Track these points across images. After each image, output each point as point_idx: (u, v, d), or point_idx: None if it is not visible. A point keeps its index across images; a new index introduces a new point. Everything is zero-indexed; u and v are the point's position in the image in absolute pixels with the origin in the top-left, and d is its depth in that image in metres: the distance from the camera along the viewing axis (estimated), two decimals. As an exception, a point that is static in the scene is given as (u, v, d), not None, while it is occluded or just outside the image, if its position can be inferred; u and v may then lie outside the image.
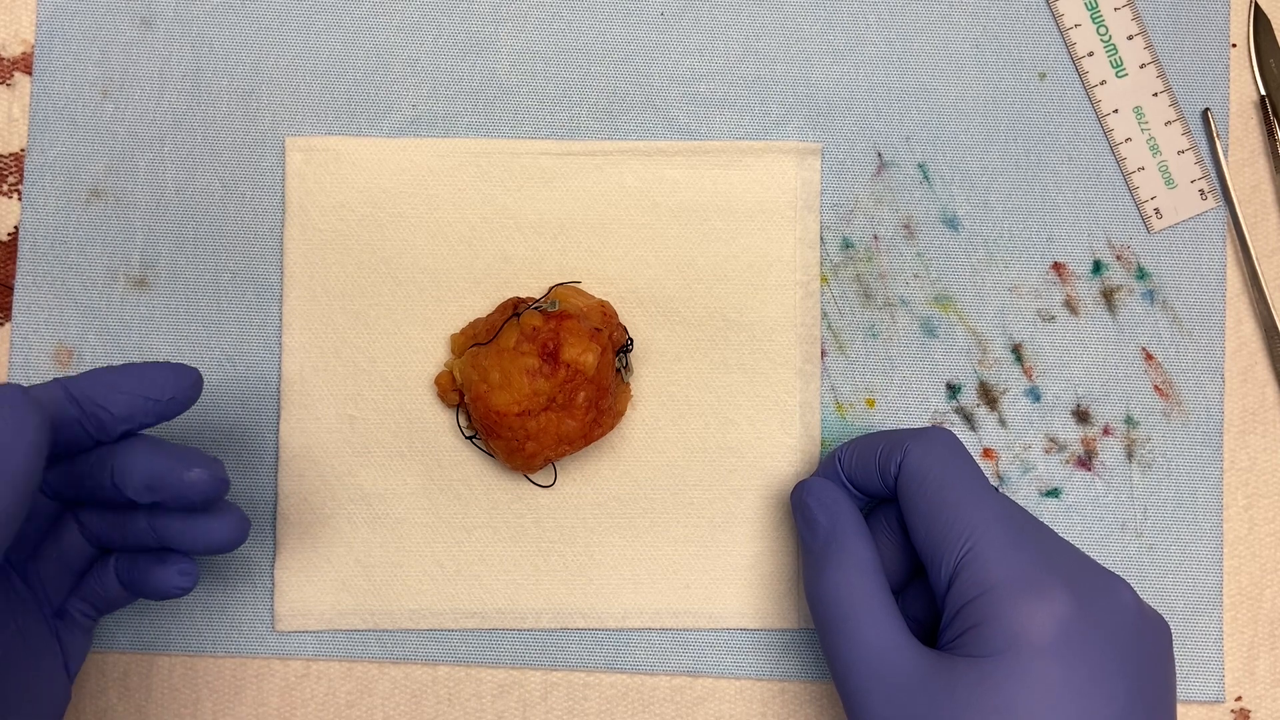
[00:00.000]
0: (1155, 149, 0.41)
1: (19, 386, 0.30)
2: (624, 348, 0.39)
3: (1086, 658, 0.31)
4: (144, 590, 0.35)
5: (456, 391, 0.39)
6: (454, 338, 0.40)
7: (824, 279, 0.41)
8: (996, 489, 0.34)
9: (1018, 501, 0.41)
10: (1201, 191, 0.41)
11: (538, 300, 0.39)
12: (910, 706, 0.31)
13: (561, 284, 0.40)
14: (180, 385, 0.33)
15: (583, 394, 0.37)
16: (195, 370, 0.33)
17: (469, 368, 0.38)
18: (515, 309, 0.38)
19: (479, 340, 0.38)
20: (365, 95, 0.41)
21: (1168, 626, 0.33)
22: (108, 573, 0.35)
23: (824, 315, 0.41)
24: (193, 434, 0.40)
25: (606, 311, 0.39)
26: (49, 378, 0.40)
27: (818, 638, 0.34)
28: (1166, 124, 0.41)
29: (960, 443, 0.35)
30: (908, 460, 0.35)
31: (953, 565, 0.33)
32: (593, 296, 0.40)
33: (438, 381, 0.40)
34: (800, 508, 0.37)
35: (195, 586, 0.35)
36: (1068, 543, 0.34)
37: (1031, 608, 0.31)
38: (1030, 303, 0.41)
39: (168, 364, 0.33)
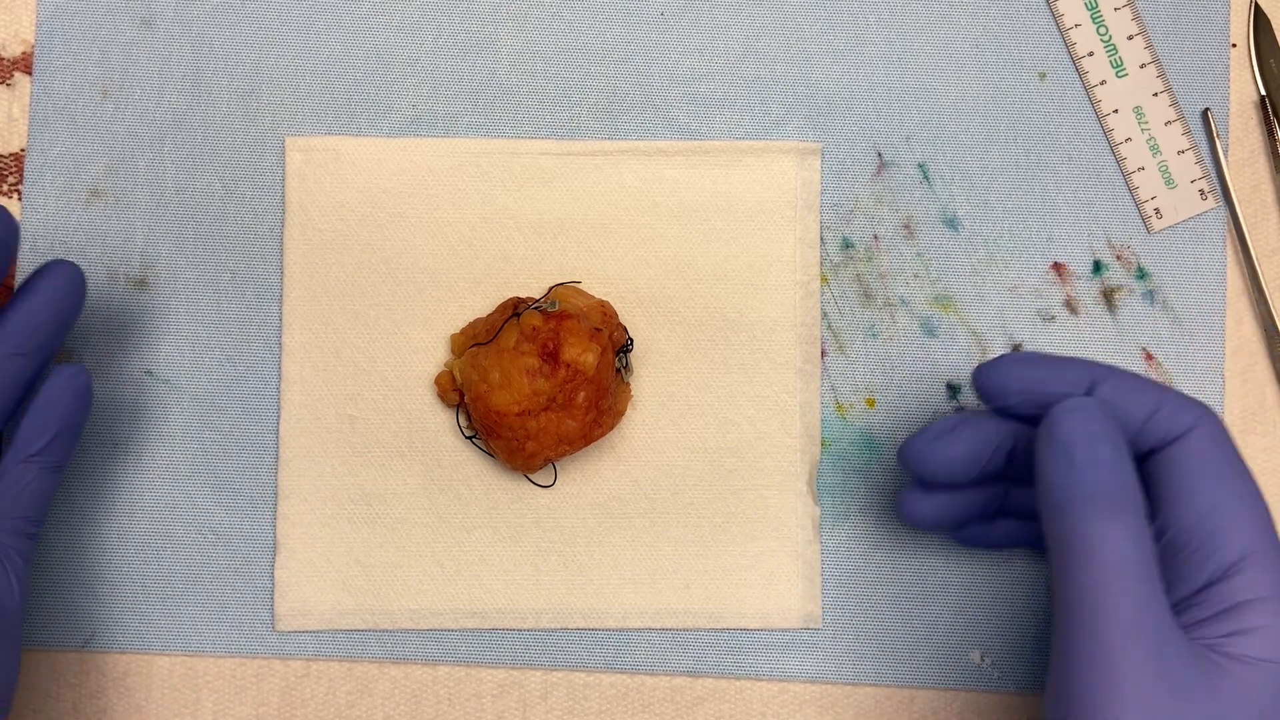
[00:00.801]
0: (1155, 149, 0.41)
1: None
2: (624, 348, 0.39)
3: None
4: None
5: (456, 391, 0.39)
6: (454, 338, 0.40)
7: (824, 279, 0.41)
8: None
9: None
10: (1201, 191, 0.41)
11: (538, 300, 0.39)
12: (1183, 693, 0.29)
13: (561, 284, 0.40)
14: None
15: (583, 394, 0.37)
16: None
17: (469, 368, 0.38)
18: (515, 309, 0.38)
19: (479, 340, 0.38)
20: (365, 95, 0.41)
21: None
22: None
23: (824, 315, 0.41)
24: (193, 433, 0.40)
25: (606, 311, 0.39)
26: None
27: (1063, 593, 0.31)
28: (1166, 124, 0.41)
29: None
30: (1198, 438, 0.32)
31: (1227, 564, 0.31)
32: (593, 296, 0.40)
33: (438, 381, 0.40)
34: (1082, 433, 0.31)
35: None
36: None
37: None
38: (1030, 303, 0.41)
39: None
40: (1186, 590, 0.31)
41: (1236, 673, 0.30)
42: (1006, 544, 0.39)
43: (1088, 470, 0.31)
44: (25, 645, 0.39)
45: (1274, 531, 0.32)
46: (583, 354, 0.37)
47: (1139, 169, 0.41)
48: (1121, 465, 0.31)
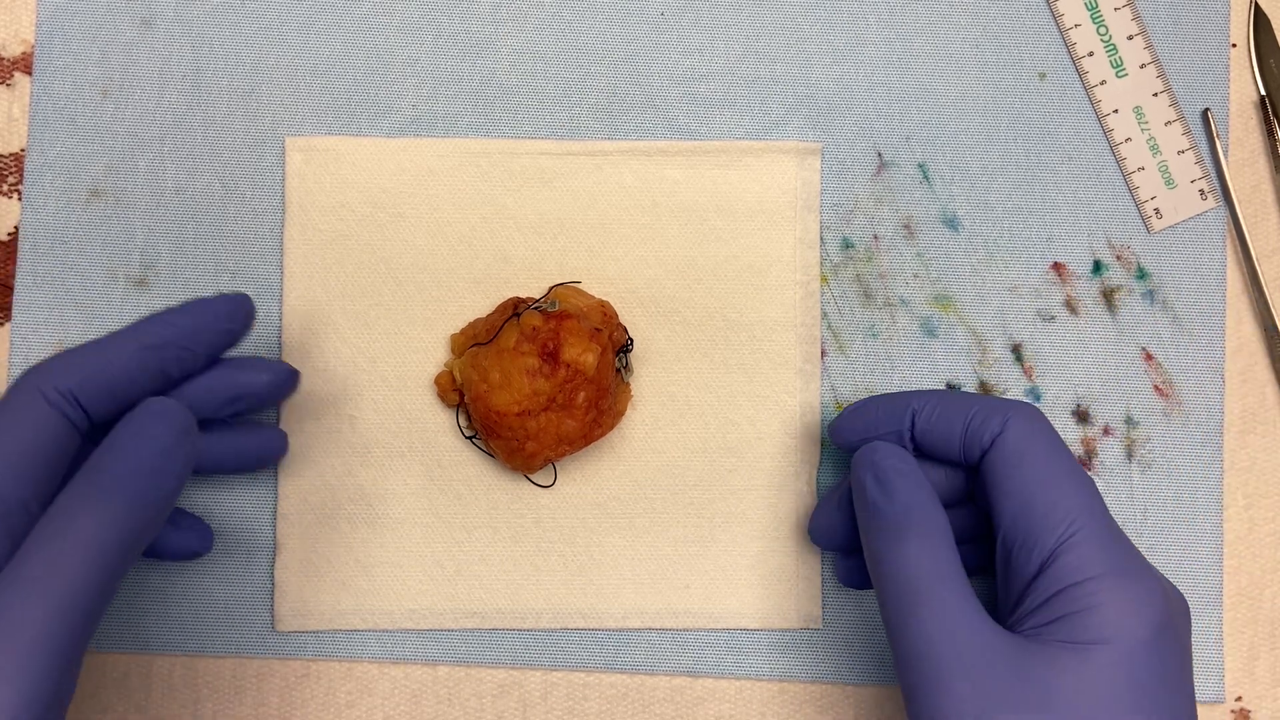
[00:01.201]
0: (1155, 149, 0.41)
1: (177, 405, 0.32)
2: (624, 348, 0.39)
3: (1171, 655, 0.31)
4: (161, 551, 0.36)
5: (456, 391, 0.39)
6: (454, 338, 0.40)
7: (824, 279, 0.41)
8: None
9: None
10: (1201, 191, 0.41)
11: (538, 300, 0.39)
12: (997, 688, 0.30)
13: (561, 284, 0.40)
14: (246, 312, 0.35)
15: (583, 394, 0.37)
16: (246, 296, 0.36)
17: (469, 368, 0.38)
18: (515, 309, 0.38)
19: (479, 340, 0.38)
20: (365, 95, 0.41)
21: None
22: None
23: (824, 315, 0.41)
24: (193, 434, 0.40)
25: (606, 311, 0.39)
26: (49, 378, 0.40)
27: (883, 613, 0.33)
28: (1166, 124, 0.41)
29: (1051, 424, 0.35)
30: (1009, 434, 0.33)
31: (1050, 550, 0.32)
32: (593, 296, 0.40)
33: (437, 381, 0.40)
34: (873, 469, 0.34)
35: (209, 549, 0.37)
36: None
37: (1132, 599, 0.31)
38: (1030, 303, 0.41)
39: (224, 296, 0.35)
40: (1021, 584, 0.32)
41: (1065, 660, 0.30)
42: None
43: (880, 502, 0.34)
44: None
45: (1097, 508, 0.32)
46: (583, 354, 0.37)
47: (1139, 169, 0.41)
48: (911, 493, 0.33)
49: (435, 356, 0.41)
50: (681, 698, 0.40)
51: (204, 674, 0.40)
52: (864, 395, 0.41)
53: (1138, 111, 0.41)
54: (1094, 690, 0.30)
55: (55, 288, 0.41)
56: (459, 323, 0.40)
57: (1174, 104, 0.42)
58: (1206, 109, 0.42)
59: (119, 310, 0.41)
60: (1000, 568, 0.34)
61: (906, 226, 0.41)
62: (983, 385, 0.41)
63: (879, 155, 0.42)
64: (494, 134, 0.41)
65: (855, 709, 0.40)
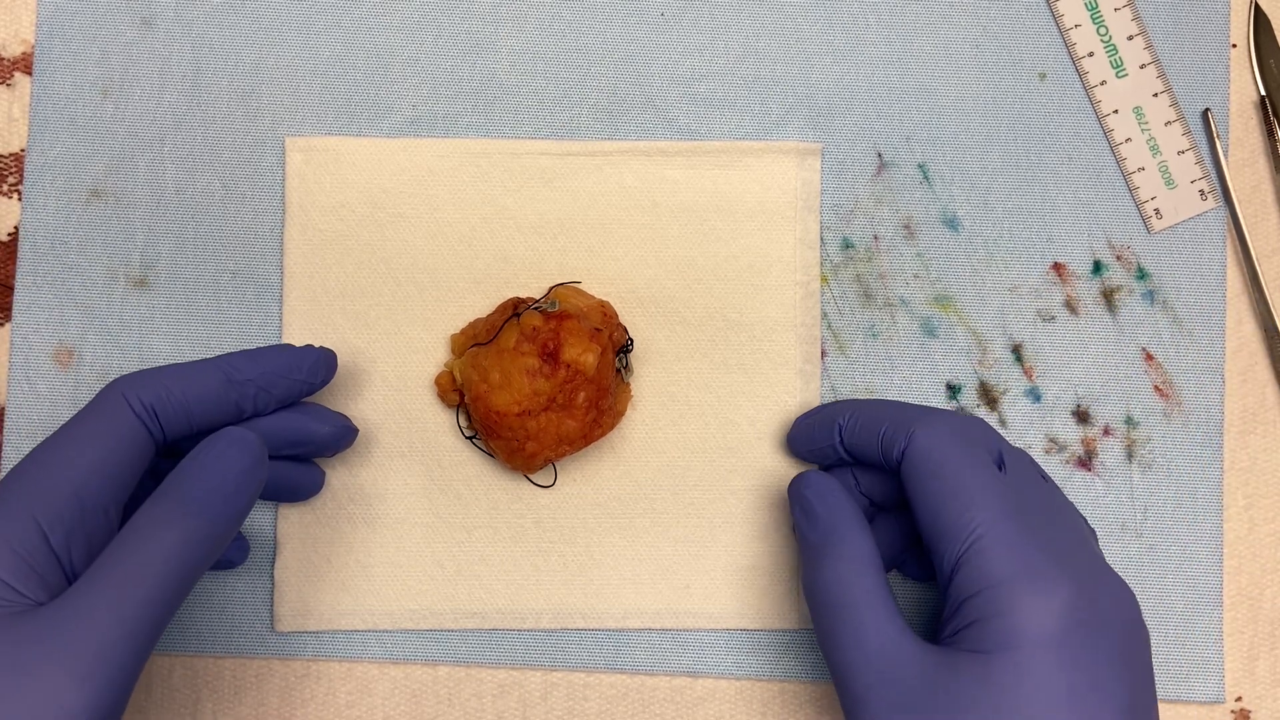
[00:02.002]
0: (1155, 149, 0.41)
1: (254, 436, 0.33)
2: (624, 348, 0.39)
3: (1088, 656, 0.31)
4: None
5: (457, 391, 0.39)
6: (454, 338, 0.40)
7: (824, 279, 0.41)
8: (1005, 476, 0.34)
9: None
10: (1201, 192, 0.41)
11: (538, 300, 0.39)
12: (912, 704, 0.31)
13: (561, 284, 0.40)
14: (328, 367, 0.37)
15: (583, 394, 0.37)
16: (333, 352, 0.37)
17: (469, 368, 0.38)
18: (515, 309, 0.38)
19: (479, 340, 0.38)
20: (365, 95, 0.41)
21: (1148, 635, 0.33)
22: None
23: (824, 315, 0.41)
24: (193, 434, 0.40)
25: (606, 312, 0.39)
26: (49, 378, 0.40)
27: (815, 634, 0.34)
28: (1166, 124, 0.41)
29: (971, 424, 0.35)
30: (912, 447, 0.34)
31: (955, 559, 0.32)
32: (593, 296, 0.40)
33: (438, 381, 0.40)
34: (798, 500, 0.36)
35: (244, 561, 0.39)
36: (1079, 535, 0.34)
37: (1034, 603, 0.31)
38: (1030, 303, 0.41)
39: (311, 348, 0.37)
40: (942, 592, 0.33)
41: (975, 667, 0.31)
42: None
43: (804, 529, 0.35)
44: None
45: (1007, 512, 0.32)
46: (583, 354, 0.37)
47: (1139, 169, 0.41)
48: (830, 519, 0.35)
49: (435, 356, 0.41)
50: (681, 698, 0.40)
51: (204, 674, 0.40)
52: (864, 395, 0.41)
53: (1138, 112, 0.41)
54: (1000, 698, 0.30)
55: (55, 288, 0.41)
56: (459, 323, 0.40)
57: (1174, 104, 0.42)
58: (1207, 109, 0.42)
59: (119, 310, 0.41)
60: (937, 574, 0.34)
61: (906, 227, 0.41)
62: (983, 385, 0.41)
63: (879, 155, 0.42)
64: (494, 134, 0.41)
65: (855, 709, 0.40)
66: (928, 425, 0.34)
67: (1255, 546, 0.41)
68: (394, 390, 0.40)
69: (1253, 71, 0.42)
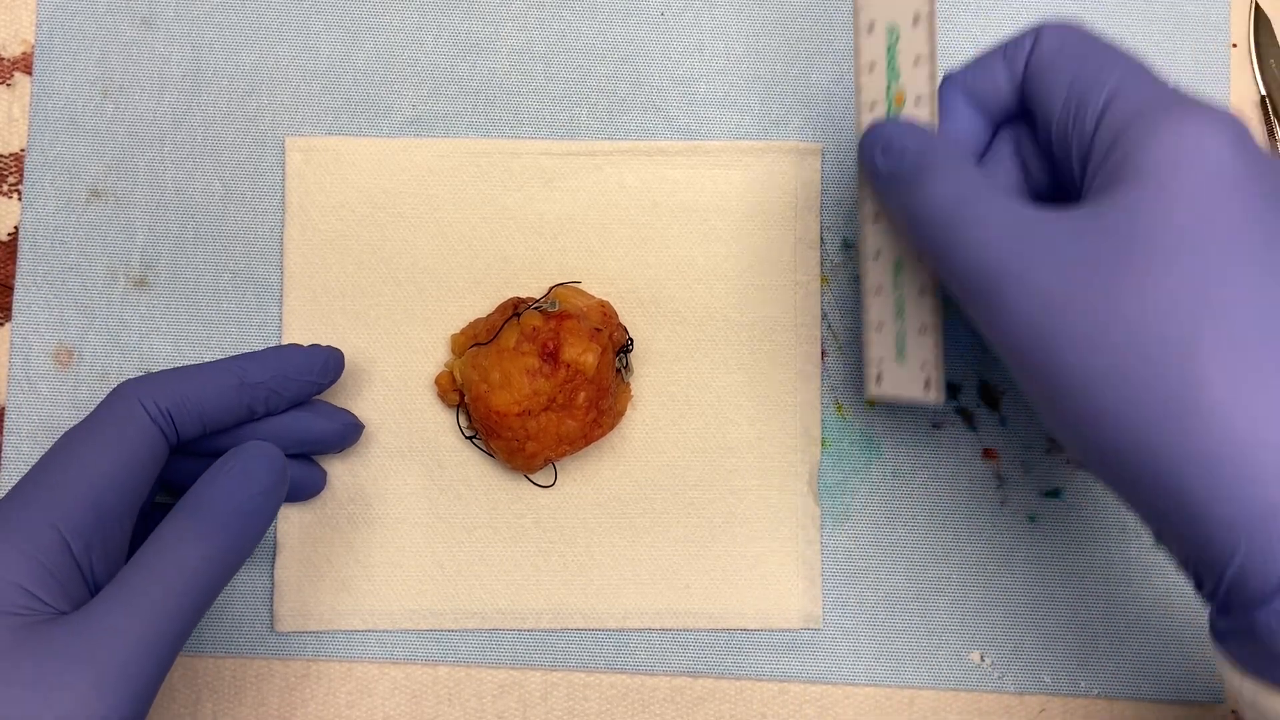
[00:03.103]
0: (901, 313, 0.37)
1: (276, 450, 0.34)
2: (624, 348, 0.39)
3: (1271, 182, 0.27)
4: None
5: (457, 391, 0.39)
6: (454, 338, 0.40)
7: (824, 279, 0.41)
8: None
9: (1017, 503, 0.41)
10: (927, 381, 0.36)
11: (538, 300, 0.39)
12: (1077, 257, 0.27)
13: (561, 284, 0.40)
14: (337, 367, 0.38)
15: (583, 394, 0.37)
16: (340, 352, 0.38)
17: (469, 368, 0.38)
18: (515, 309, 0.38)
19: (479, 340, 0.38)
20: (365, 95, 0.41)
21: None
22: None
23: (824, 315, 0.41)
24: (193, 434, 0.40)
25: (606, 311, 0.39)
26: (49, 378, 0.40)
27: (925, 254, 0.31)
28: (920, 294, 0.36)
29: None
30: (1045, 36, 0.31)
31: (1104, 100, 0.29)
32: (593, 296, 0.40)
33: (438, 381, 0.40)
34: (879, 143, 0.32)
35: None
36: None
37: (1208, 122, 0.27)
38: (1030, 303, 0.41)
39: (320, 348, 0.37)
40: (1083, 151, 0.30)
41: (1149, 185, 0.27)
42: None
43: (892, 167, 0.32)
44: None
45: (1143, 67, 0.30)
46: (583, 354, 0.37)
47: (879, 324, 0.37)
48: (921, 144, 0.32)
49: (435, 357, 0.40)
50: (682, 698, 0.40)
51: (204, 674, 0.40)
52: (864, 395, 0.41)
53: (897, 265, 0.37)
54: (1183, 212, 0.27)
55: (55, 288, 0.41)
56: (459, 323, 0.40)
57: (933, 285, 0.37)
58: (1207, 109, 0.42)
59: (119, 310, 0.41)
60: (1065, 166, 0.31)
61: (906, 226, 0.41)
62: (983, 385, 0.41)
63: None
64: (494, 134, 0.41)
65: (855, 709, 0.40)
66: (1053, 23, 0.32)
67: (1255, 546, 0.41)
68: (394, 390, 0.40)
69: (1253, 71, 0.42)
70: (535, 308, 0.38)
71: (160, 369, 0.40)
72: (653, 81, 0.42)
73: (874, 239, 0.36)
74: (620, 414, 0.40)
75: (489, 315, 0.39)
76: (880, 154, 0.32)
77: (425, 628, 0.40)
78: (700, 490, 0.41)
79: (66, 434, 0.33)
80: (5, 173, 0.41)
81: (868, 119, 0.35)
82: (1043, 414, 0.30)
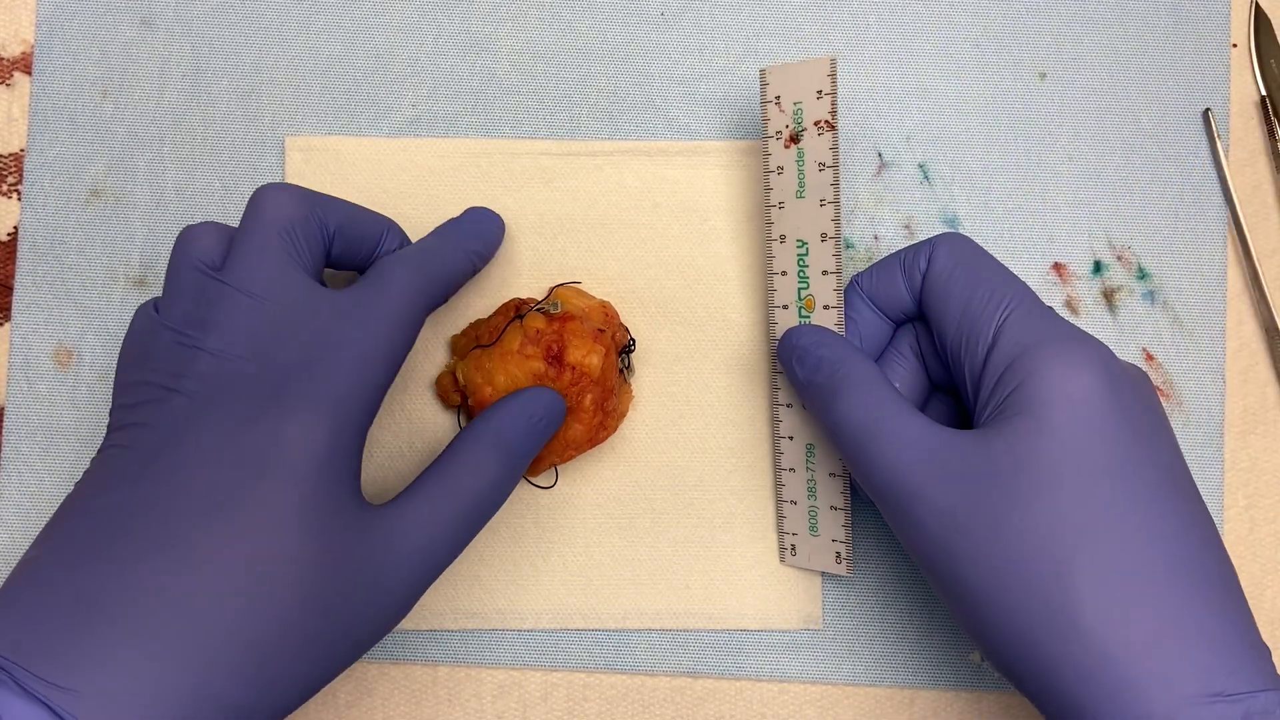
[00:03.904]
0: (811, 500, 0.39)
1: (559, 399, 0.36)
2: (626, 348, 0.39)
3: (1133, 409, 0.31)
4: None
5: (459, 392, 0.39)
6: (454, 339, 0.40)
7: (824, 279, 0.41)
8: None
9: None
10: (838, 554, 0.39)
11: (540, 301, 0.38)
12: (970, 482, 0.31)
13: (562, 284, 0.40)
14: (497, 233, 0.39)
15: (589, 396, 0.37)
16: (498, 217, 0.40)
17: (472, 370, 0.38)
18: (517, 310, 0.38)
19: (481, 342, 0.38)
20: (365, 95, 0.41)
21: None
22: None
23: (824, 315, 0.41)
24: (192, 434, 0.40)
25: (608, 312, 0.39)
26: (49, 378, 0.40)
27: (850, 467, 0.34)
28: (830, 475, 0.39)
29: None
30: (938, 253, 0.35)
31: (994, 329, 0.33)
32: (594, 297, 0.40)
33: (439, 383, 0.40)
34: (793, 353, 0.36)
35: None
36: None
37: (1076, 358, 0.31)
38: (1030, 303, 0.41)
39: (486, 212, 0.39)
40: (975, 378, 0.33)
41: (1028, 423, 0.31)
42: None
43: (808, 377, 0.35)
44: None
45: (1030, 294, 0.33)
46: (587, 355, 0.37)
47: (791, 501, 0.40)
48: (834, 356, 0.35)
49: (435, 358, 0.40)
50: (681, 698, 0.40)
51: (204, 674, 0.40)
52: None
53: (809, 448, 0.39)
54: (1055, 450, 0.30)
55: (55, 288, 0.41)
56: (459, 323, 0.40)
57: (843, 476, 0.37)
58: (1207, 109, 0.42)
59: (119, 310, 0.41)
60: (959, 380, 0.34)
61: (906, 226, 0.41)
62: (983, 385, 0.41)
63: (879, 155, 0.42)
64: (494, 134, 0.41)
65: (855, 709, 0.40)
66: (947, 238, 0.35)
67: (1256, 546, 0.41)
68: (394, 390, 0.40)
69: (1253, 71, 0.42)
70: (538, 309, 0.38)
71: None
72: (653, 81, 0.42)
73: (788, 424, 0.39)
74: (623, 415, 0.40)
75: (490, 316, 0.39)
76: (797, 363, 0.36)
77: (425, 628, 0.40)
78: (700, 490, 0.41)
79: (345, 302, 0.32)
80: (5, 173, 0.41)
81: (781, 317, 0.38)
82: (953, 614, 0.33)
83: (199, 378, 0.30)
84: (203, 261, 0.32)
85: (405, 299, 0.33)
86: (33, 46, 0.41)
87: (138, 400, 0.31)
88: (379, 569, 0.31)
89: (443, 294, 0.35)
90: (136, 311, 0.33)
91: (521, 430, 0.35)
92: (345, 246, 0.35)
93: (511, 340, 0.37)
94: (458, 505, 0.33)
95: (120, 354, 0.32)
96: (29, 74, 0.41)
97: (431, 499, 0.33)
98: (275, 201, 0.33)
